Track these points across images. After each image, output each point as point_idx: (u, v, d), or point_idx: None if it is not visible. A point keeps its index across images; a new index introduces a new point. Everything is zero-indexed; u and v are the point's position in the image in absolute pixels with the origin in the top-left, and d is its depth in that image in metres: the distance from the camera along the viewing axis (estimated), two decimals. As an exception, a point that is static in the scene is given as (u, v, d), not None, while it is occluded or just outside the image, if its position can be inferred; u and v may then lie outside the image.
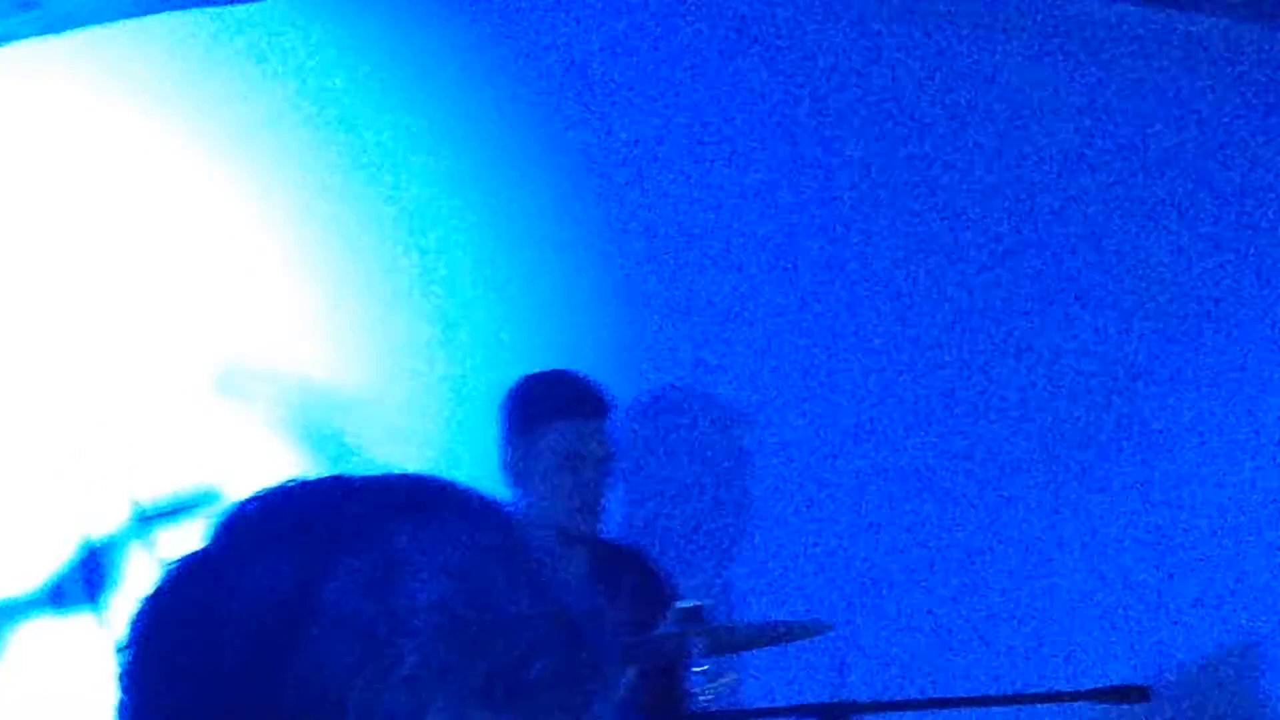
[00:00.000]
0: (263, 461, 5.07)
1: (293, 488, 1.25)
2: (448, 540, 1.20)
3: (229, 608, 1.18)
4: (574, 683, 1.18)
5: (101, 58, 5.21)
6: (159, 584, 1.22)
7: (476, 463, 4.74)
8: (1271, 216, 5.04)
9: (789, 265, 5.20)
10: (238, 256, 5.17)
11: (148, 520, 5.05)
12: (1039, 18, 5.21)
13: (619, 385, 4.71)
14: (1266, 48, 5.12)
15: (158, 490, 5.04)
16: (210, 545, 1.22)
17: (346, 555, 1.19)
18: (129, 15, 5.28)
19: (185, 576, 1.22)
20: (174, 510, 4.95)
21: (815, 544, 4.98)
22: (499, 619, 1.19)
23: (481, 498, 1.28)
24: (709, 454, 5.18)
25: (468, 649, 1.18)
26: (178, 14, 5.28)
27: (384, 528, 1.21)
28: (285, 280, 5.22)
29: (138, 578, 5.06)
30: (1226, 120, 5.09)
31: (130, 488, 5.03)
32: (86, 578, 5.18)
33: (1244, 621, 4.93)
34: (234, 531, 1.24)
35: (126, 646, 1.22)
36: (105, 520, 5.11)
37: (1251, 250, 5.03)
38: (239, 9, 5.25)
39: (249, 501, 1.24)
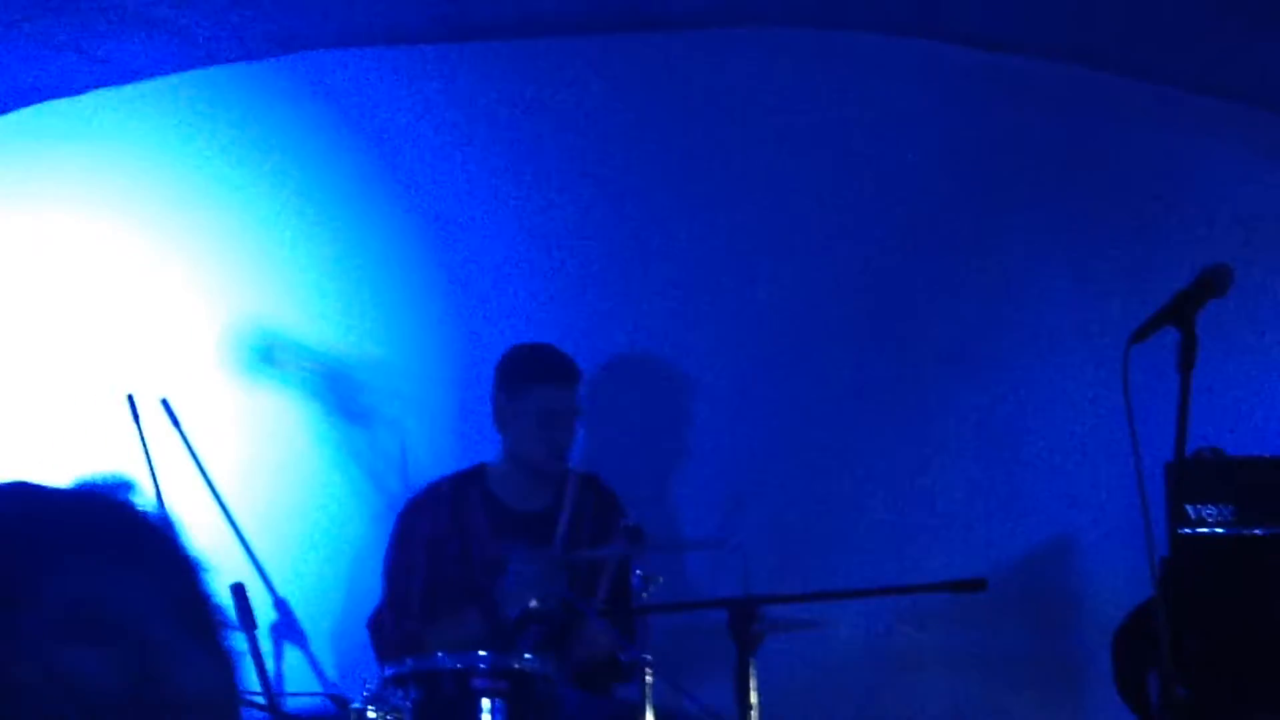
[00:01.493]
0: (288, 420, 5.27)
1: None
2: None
3: None
4: None
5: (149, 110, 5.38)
6: None
7: (468, 416, 5.05)
8: (1060, 218, 5.20)
9: (715, 268, 5.32)
10: (278, 254, 5.36)
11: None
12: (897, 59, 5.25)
13: (585, 356, 4.85)
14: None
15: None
16: None
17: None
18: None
19: None
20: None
21: (728, 476, 5.15)
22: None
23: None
24: (651, 409, 5.32)
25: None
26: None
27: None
28: (319, 271, 5.37)
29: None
30: (1034, 145, 5.20)
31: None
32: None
33: (1062, 527, 5.09)
34: None
35: None
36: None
37: (1054, 247, 5.19)
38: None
39: None
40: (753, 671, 4.06)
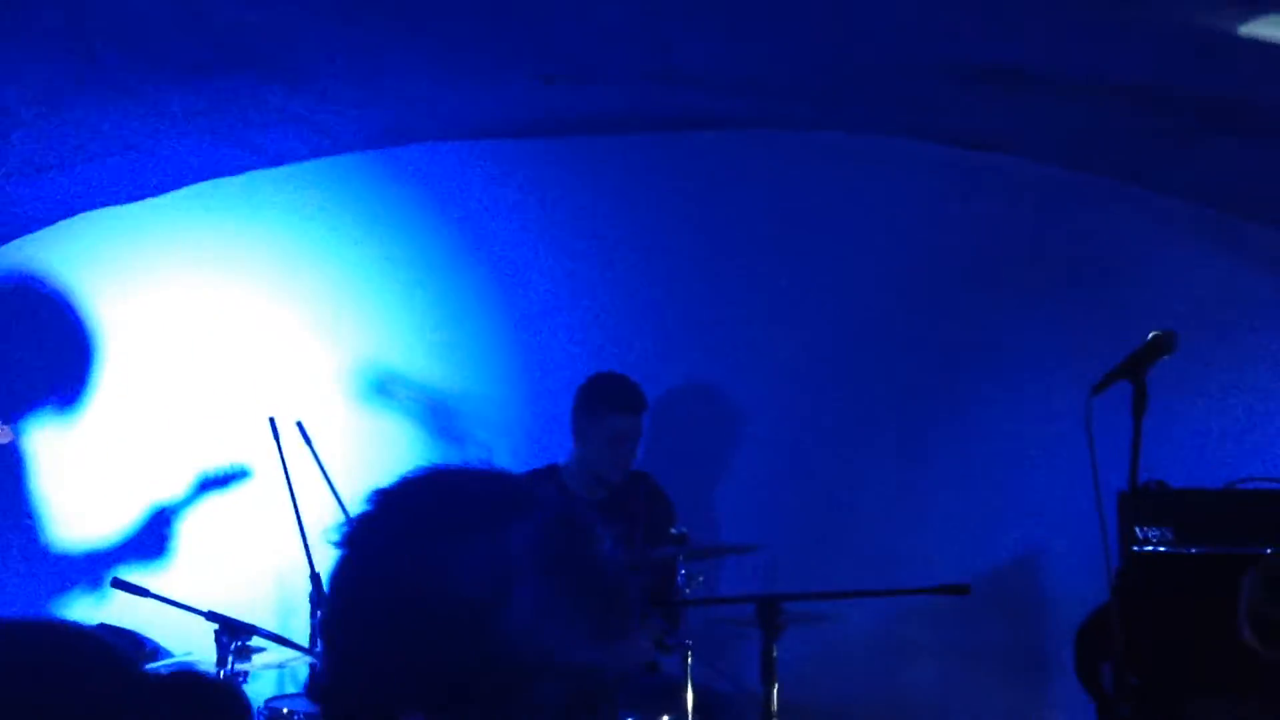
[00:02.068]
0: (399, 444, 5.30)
1: (428, 472, 1.30)
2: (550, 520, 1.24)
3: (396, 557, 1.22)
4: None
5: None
6: (351, 527, 1.27)
7: (540, 436, 5.07)
8: (1035, 291, 5.12)
9: (755, 323, 5.27)
10: (390, 307, 5.38)
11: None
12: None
13: (651, 386, 4.85)
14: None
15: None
16: (373, 511, 1.26)
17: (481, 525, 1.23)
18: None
19: (366, 527, 1.26)
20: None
21: (759, 493, 5.12)
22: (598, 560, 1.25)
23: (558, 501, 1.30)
24: (698, 432, 5.29)
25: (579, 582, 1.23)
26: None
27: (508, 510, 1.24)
28: (422, 321, 5.37)
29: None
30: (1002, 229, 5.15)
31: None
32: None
33: (1033, 542, 5.06)
34: (390, 502, 1.27)
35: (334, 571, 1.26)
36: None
37: (1031, 315, 5.12)
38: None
39: (398, 482, 1.28)
40: (775, 656, 4.08)
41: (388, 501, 1.26)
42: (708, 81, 4.67)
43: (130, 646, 4.79)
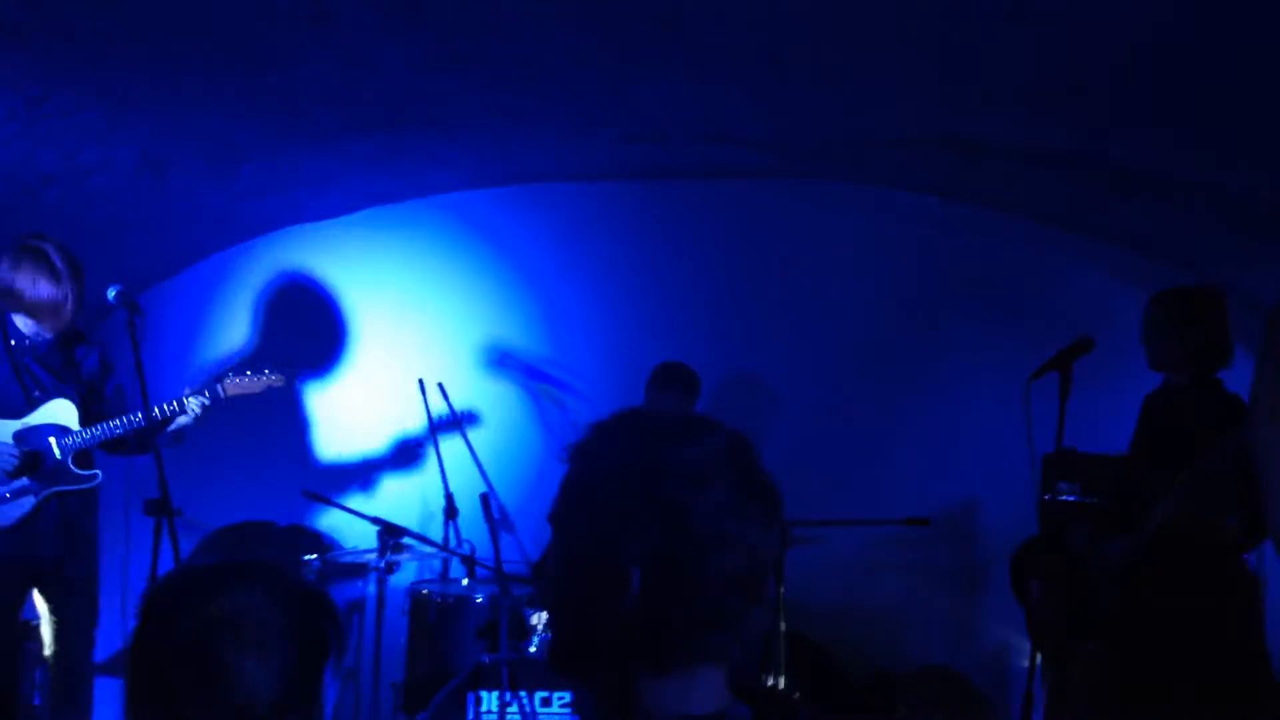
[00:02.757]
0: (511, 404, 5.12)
1: (629, 413, 1.29)
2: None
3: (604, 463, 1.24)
4: None
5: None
6: (586, 440, 1.26)
7: (627, 399, 4.74)
8: (985, 312, 5.01)
9: (769, 333, 5.13)
10: (515, 304, 5.26)
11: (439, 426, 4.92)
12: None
13: (705, 371, 4.71)
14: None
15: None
16: (595, 435, 1.27)
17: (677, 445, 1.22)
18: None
19: (593, 440, 1.27)
20: (458, 419, 4.99)
21: (779, 449, 4.59)
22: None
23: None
24: (739, 414, 4.75)
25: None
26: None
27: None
28: (535, 311, 5.27)
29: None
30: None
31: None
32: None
33: (980, 489, 4.94)
34: (610, 426, 1.28)
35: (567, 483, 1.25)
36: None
37: (982, 328, 5.01)
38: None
39: (611, 416, 1.28)
40: (781, 569, 4.10)
41: (608, 426, 1.27)
42: (748, 141, 4.57)
43: (313, 543, 4.88)
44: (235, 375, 3.93)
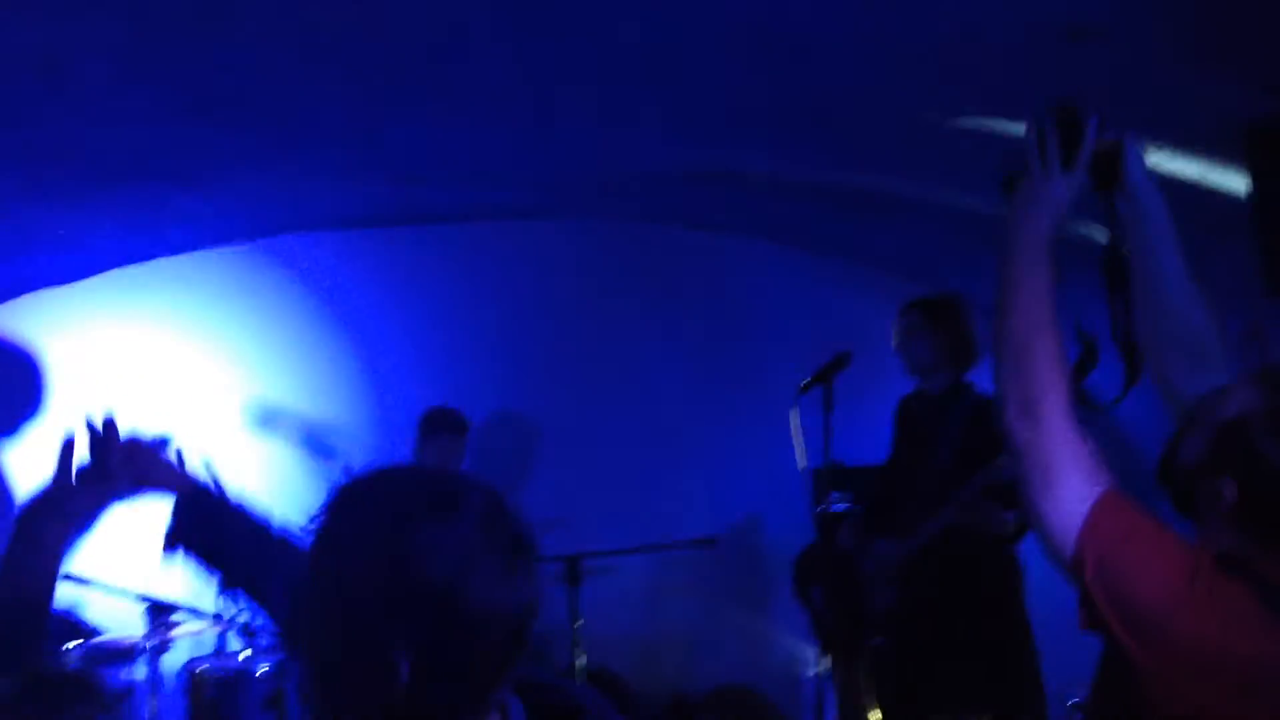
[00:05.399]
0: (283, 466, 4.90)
1: (382, 471, 1.22)
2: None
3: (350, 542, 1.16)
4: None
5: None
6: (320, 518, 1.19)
7: (395, 453, 4.20)
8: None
9: (550, 364, 5.11)
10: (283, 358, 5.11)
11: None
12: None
13: (472, 411, 4.68)
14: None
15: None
16: (338, 506, 1.20)
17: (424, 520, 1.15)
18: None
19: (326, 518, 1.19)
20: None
21: (565, 486, 4.88)
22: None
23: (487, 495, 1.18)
24: (516, 446, 5.15)
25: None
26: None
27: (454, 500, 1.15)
28: (300, 366, 5.13)
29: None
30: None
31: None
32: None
33: (759, 504, 5.02)
34: (342, 499, 1.20)
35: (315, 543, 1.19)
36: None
37: (741, 343, 5.13)
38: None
39: (353, 481, 1.21)
40: (578, 599, 4.20)
41: (348, 506, 1.20)
42: (506, 180, 4.55)
43: (70, 629, 4.37)
44: None
